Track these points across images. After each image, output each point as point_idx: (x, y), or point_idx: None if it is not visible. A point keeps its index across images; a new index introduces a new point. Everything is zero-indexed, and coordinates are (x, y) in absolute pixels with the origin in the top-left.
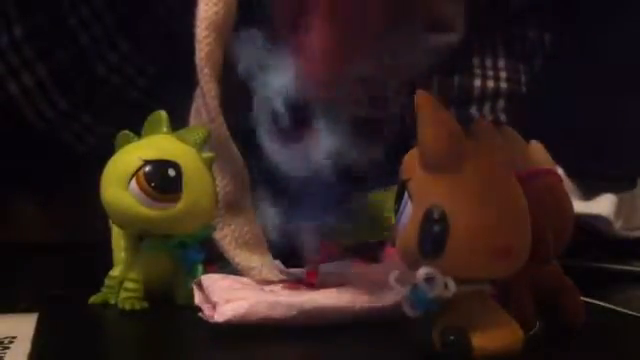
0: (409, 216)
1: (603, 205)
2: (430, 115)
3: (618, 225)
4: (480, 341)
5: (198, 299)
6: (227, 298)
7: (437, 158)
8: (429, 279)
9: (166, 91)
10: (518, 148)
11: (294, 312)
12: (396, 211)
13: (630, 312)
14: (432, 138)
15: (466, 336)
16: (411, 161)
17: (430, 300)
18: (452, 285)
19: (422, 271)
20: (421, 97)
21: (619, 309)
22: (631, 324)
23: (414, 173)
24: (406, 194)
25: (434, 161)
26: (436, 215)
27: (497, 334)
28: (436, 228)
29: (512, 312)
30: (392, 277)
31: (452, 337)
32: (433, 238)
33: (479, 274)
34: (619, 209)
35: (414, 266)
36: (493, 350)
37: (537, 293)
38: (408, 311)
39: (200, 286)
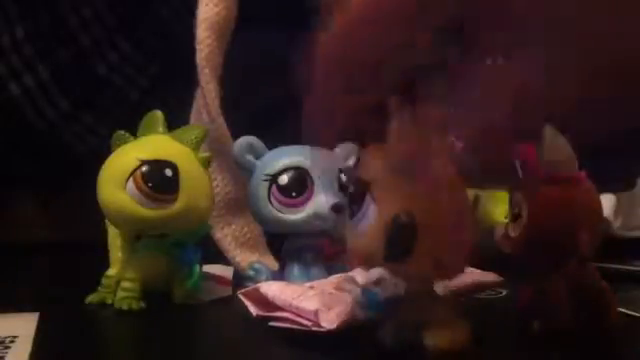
0: (371, 219)
1: (602, 205)
2: (403, 121)
3: (617, 225)
4: (432, 339)
5: (254, 310)
6: (327, 305)
7: (407, 162)
8: (379, 281)
9: (167, 91)
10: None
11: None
12: (352, 212)
13: (630, 312)
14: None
15: (420, 332)
16: (373, 161)
17: (380, 301)
18: (401, 285)
19: (374, 273)
20: (397, 101)
21: (619, 309)
22: (631, 324)
23: (377, 174)
24: (368, 196)
25: (403, 165)
26: (405, 221)
27: (447, 332)
28: (404, 234)
29: (548, 311)
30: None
31: (406, 333)
32: (400, 244)
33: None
34: (618, 209)
35: (370, 268)
36: (444, 347)
37: (573, 292)
38: (359, 313)
39: (250, 295)
